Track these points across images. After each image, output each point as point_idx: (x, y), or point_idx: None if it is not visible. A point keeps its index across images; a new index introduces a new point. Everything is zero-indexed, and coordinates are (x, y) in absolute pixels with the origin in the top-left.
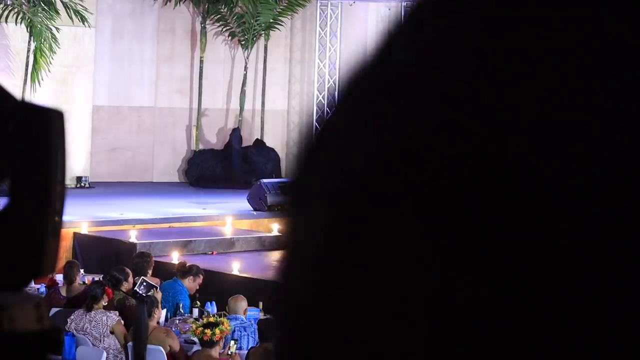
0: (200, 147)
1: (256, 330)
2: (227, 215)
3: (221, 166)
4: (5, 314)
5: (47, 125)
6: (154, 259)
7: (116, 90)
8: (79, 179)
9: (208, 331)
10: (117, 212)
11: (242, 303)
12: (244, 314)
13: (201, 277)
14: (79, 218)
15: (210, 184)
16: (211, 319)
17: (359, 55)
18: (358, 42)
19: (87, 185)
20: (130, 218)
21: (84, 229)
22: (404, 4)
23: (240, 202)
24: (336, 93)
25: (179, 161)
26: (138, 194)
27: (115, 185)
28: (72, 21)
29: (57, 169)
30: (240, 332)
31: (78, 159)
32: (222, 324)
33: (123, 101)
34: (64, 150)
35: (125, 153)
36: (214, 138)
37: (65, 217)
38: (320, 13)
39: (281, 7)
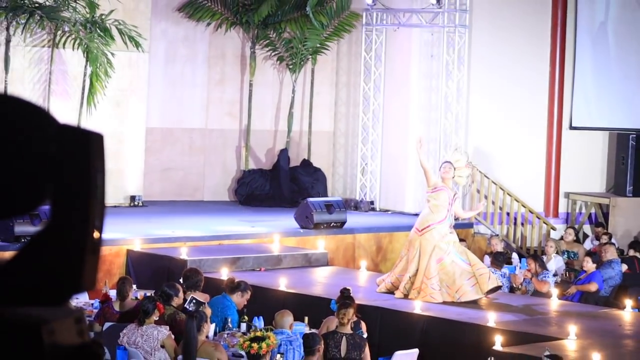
0: (250, 167)
1: (302, 345)
2: (274, 232)
3: (269, 185)
4: (46, 327)
5: (87, 147)
6: (204, 275)
7: (169, 112)
8: (132, 197)
9: (255, 345)
10: (169, 229)
11: (288, 318)
12: (290, 328)
13: (249, 292)
14: (133, 235)
15: (259, 203)
16: (258, 333)
17: (402, 79)
18: (402, 66)
19: (140, 204)
20: (181, 236)
21: (137, 245)
22: (445, 29)
23: (287, 220)
24: (380, 114)
25: (228, 181)
26: (189, 212)
27: (167, 204)
28: (127, 46)
29: (96, 189)
30: (287, 346)
31: (132, 178)
32: (269, 338)
33: (175, 123)
34: (103, 171)
35: (177, 173)
36: (262, 158)
37: (119, 235)
38: (365, 38)
39: (328, 32)
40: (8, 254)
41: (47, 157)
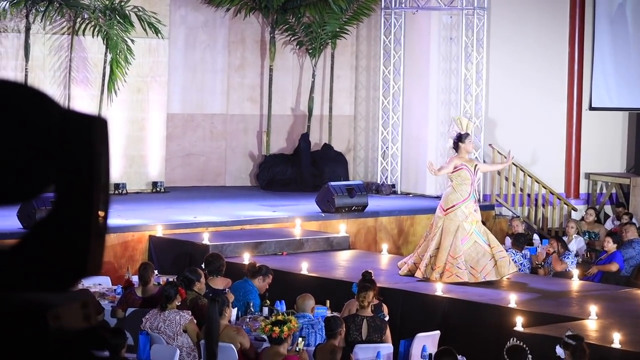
0: (271, 151)
1: (323, 328)
2: (296, 217)
3: (291, 170)
4: (51, 312)
5: (91, 132)
6: (225, 260)
7: (190, 98)
8: (154, 184)
9: (276, 329)
10: (190, 215)
11: (310, 301)
12: (312, 311)
13: (271, 276)
14: (155, 221)
15: (281, 188)
16: (280, 317)
17: (422, 62)
18: (421, 49)
19: (162, 190)
20: (203, 221)
21: (159, 231)
22: (464, 12)
23: (309, 205)
24: (400, 98)
25: (250, 166)
26: (211, 197)
27: (189, 190)
28: (147, 33)
29: (100, 174)
30: (308, 329)
31: (154, 164)
32: (290, 321)
33: (196, 109)
34: (107, 156)
35: (199, 158)
36: (283, 143)
37: (141, 221)
38: (384, 22)
39: (347, 16)
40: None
41: (51, 142)
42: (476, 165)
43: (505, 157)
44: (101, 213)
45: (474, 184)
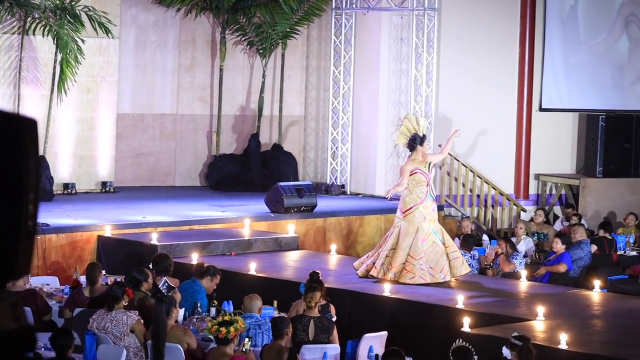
0: (221, 152)
1: (270, 328)
2: (245, 217)
3: (240, 170)
4: None
5: (19, 132)
6: (173, 260)
7: (140, 98)
8: (104, 184)
9: (223, 329)
10: (140, 215)
11: (257, 302)
12: (259, 312)
13: (218, 277)
14: (104, 221)
15: (230, 188)
16: (226, 317)
17: (372, 62)
18: (371, 49)
19: (112, 190)
20: (152, 221)
21: (108, 231)
22: (415, 12)
23: (258, 205)
24: (350, 98)
25: (200, 166)
26: (160, 197)
27: (139, 190)
28: (97, 33)
29: (29, 175)
30: (255, 329)
31: (103, 164)
32: (237, 322)
33: (146, 109)
34: (36, 157)
35: (149, 158)
36: (233, 143)
37: (90, 221)
38: (335, 22)
39: (298, 16)
40: None
41: None
42: (429, 163)
43: (463, 165)
44: (30, 214)
45: (429, 183)
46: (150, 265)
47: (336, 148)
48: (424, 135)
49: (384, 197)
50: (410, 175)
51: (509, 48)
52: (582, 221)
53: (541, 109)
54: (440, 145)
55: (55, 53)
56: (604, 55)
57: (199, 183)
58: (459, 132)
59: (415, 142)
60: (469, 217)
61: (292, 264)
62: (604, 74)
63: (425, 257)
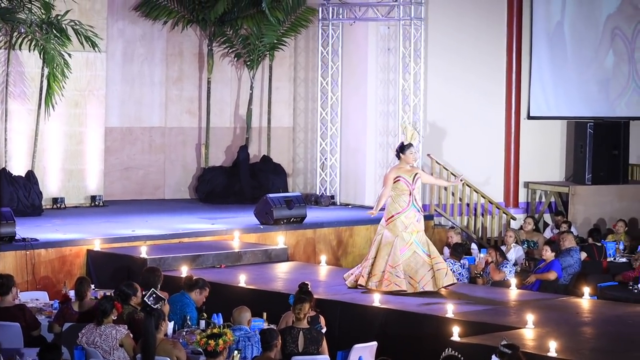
0: (210, 164)
1: (259, 340)
2: (235, 229)
3: (230, 182)
4: None
5: None
6: (163, 273)
7: (128, 111)
8: (93, 198)
9: (212, 342)
10: (129, 229)
11: (246, 314)
12: (248, 324)
13: (207, 289)
14: (93, 235)
15: (220, 200)
16: (215, 330)
17: (359, 73)
18: (359, 60)
19: (101, 203)
20: (141, 234)
21: (97, 246)
22: (401, 22)
23: (248, 217)
24: (339, 109)
25: (189, 178)
26: (150, 211)
27: (128, 203)
28: (84, 47)
29: None
30: (245, 342)
31: (92, 178)
32: (225, 334)
33: (135, 122)
34: None
35: (138, 172)
36: (222, 155)
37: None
38: (322, 33)
39: (284, 28)
40: None
41: None
42: (416, 174)
43: (454, 176)
44: None
45: (412, 193)
46: (140, 279)
47: (325, 159)
48: (409, 144)
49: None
50: (394, 182)
51: (496, 57)
52: (572, 228)
53: (529, 117)
54: (430, 155)
55: (42, 67)
56: (590, 68)
57: (188, 196)
58: (461, 181)
59: (400, 151)
60: (455, 227)
61: (281, 275)
62: (591, 85)
63: (404, 266)
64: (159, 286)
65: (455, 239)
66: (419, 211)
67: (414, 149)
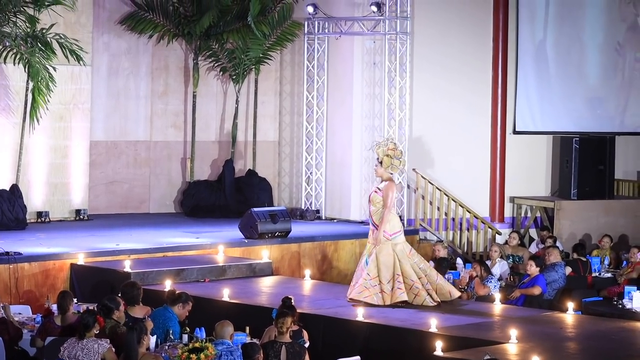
0: (195, 178)
1: (242, 355)
2: (219, 243)
3: (215, 196)
4: None
5: None
6: (145, 287)
7: (113, 125)
8: (77, 211)
9: (193, 356)
10: (113, 243)
11: (229, 328)
12: (231, 338)
13: (190, 303)
14: (77, 249)
15: (205, 214)
16: (197, 344)
17: (345, 87)
18: (344, 74)
19: (85, 217)
20: (125, 248)
21: (81, 259)
22: (387, 37)
23: (232, 231)
24: (324, 123)
25: (174, 192)
26: (134, 225)
27: (112, 217)
28: (69, 60)
29: None
30: (227, 356)
31: (77, 192)
32: (207, 348)
33: (120, 136)
34: None
35: (123, 186)
36: (207, 169)
37: (63, 249)
38: (307, 47)
39: (270, 42)
40: None
41: None
42: (374, 192)
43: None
44: None
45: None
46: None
47: (311, 173)
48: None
49: (359, 222)
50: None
51: (482, 71)
52: (557, 243)
53: (515, 132)
54: (415, 170)
55: (27, 81)
56: (576, 83)
57: (173, 210)
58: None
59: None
60: (442, 240)
61: (266, 289)
62: (577, 100)
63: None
64: (139, 301)
65: (442, 252)
66: (372, 224)
67: (376, 162)
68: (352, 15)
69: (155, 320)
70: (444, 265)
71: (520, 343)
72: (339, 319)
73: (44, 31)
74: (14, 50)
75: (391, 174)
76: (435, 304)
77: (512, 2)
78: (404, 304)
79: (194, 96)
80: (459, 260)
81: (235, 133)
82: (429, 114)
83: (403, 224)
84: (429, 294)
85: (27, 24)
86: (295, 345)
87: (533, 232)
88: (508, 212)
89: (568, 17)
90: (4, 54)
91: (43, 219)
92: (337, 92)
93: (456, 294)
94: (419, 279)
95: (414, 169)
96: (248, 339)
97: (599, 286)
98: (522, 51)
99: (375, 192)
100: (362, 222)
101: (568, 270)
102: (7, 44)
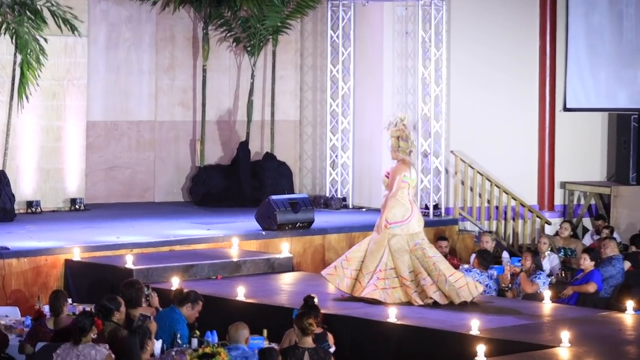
0: (206, 162)
1: None
2: (233, 235)
3: (228, 183)
4: None
5: None
6: (151, 285)
7: (112, 104)
8: (73, 201)
9: None
10: (113, 235)
11: (244, 331)
12: (246, 342)
13: (200, 303)
14: (72, 243)
15: (217, 203)
16: (207, 350)
17: (374, 59)
18: (373, 45)
19: (82, 207)
20: (127, 242)
21: (77, 255)
22: (421, 3)
23: (248, 222)
24: (351, 100)
25: (182, 179)
26: (137, 215)
27: (112, 207)
28: (62, 30)
29: None
30: None
31: (72, 179)
32: (219, 354)
33: (120, 115)
34: None
35: (124, 172)
36: (220, 153)
37: (56, 243)
38: (331, 15)
39: (289, 9)
40: None
41: None
42: (384, 176)
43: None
44: None
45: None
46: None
47: (336, 156)
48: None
49: None
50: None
51: (527, 41)
52: (614, 234)
53: (566, 109)
54: (453, 152)
55: (15, 54)
56: (632, 47)
57: (181, 198)
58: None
59: None
60: (490, 231)
61: (285, 287)
62: (634, 68)
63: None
64: (143, 301)
65: (490, 245)
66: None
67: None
68: None
69: (161, 322)
70: (487, 259)
71: (573, 347)
72: (369, 320)
73: None
74: (0, 20)
75: (408, 153)
76: (422, 304)
77: None
78: (374, 301)
79: (204, 70)
80: (505, 254)
81: (250, 112)
82: (468, 89)
83: (440, 213)
84: (416, 290)
85: None
86: (319, 351)
87: (587, 222)
88: (559, 200)
89: None
90: None
91: (34, 209)
92: (364, 65)
93: (458, 301)
94: (416, 275)
95: (452, 151)
96: (266, 344)
97: None
98: (573, 17)
99: (386, 176)
100: None
101: (627, 264)
102: None
